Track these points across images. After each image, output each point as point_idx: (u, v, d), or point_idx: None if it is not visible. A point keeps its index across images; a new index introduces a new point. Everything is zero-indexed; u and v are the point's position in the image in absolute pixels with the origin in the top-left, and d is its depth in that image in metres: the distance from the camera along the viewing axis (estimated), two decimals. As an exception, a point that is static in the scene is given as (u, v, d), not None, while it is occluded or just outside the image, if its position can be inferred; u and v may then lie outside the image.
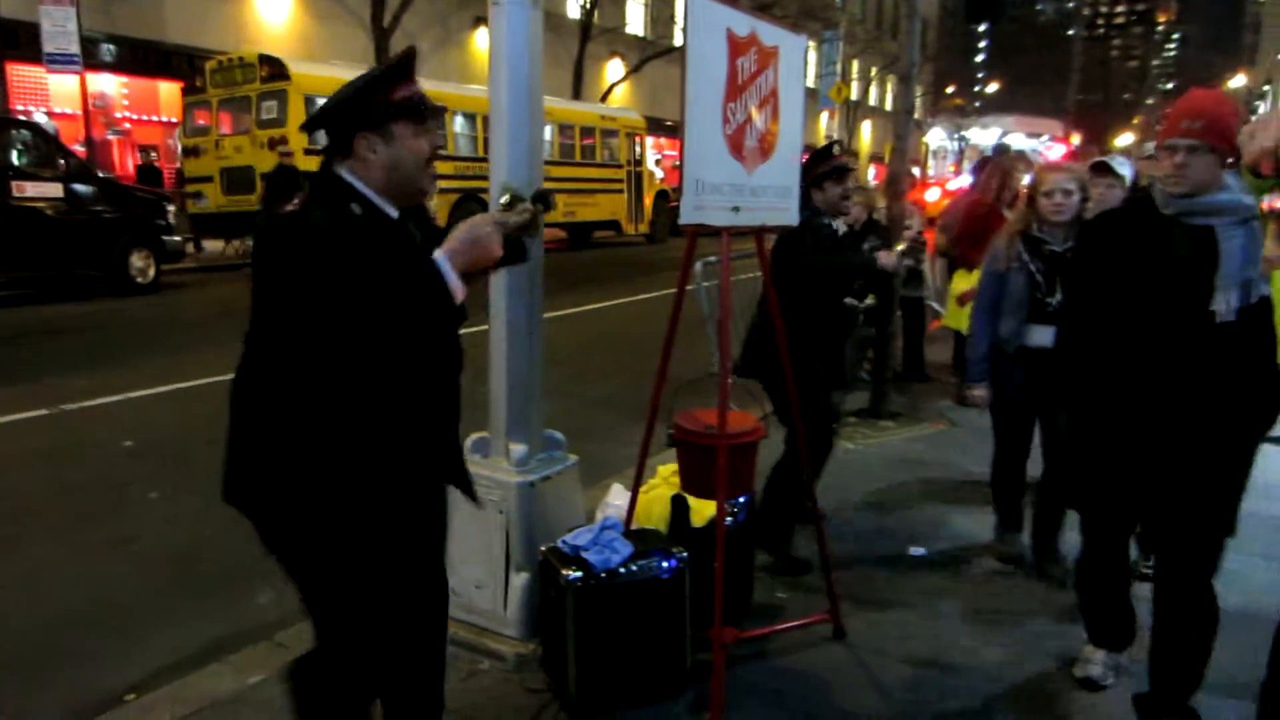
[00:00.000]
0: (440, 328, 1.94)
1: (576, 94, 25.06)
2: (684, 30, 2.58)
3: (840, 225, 4.10)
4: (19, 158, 10.73)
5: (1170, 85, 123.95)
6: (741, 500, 3.30)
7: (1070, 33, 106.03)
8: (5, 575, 3.78)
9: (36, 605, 3.55)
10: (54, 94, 16.73)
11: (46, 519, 4.37)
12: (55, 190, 10.78)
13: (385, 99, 1.87)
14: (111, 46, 17.23)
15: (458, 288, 1.84)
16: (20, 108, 16.06)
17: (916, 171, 18.45)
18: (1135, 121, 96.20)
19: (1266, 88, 40.50)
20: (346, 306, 1.72)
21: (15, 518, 4.38)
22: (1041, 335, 3.41)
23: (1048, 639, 3.22)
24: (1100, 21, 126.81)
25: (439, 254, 1.84)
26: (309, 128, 2.03)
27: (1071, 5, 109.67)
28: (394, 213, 1.93)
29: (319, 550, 1.91)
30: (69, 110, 16.34)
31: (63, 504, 4.54)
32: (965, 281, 5.87)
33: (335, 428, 1.84)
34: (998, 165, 6.17)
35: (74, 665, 3.14)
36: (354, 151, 1.88)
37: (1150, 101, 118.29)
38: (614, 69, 30.08)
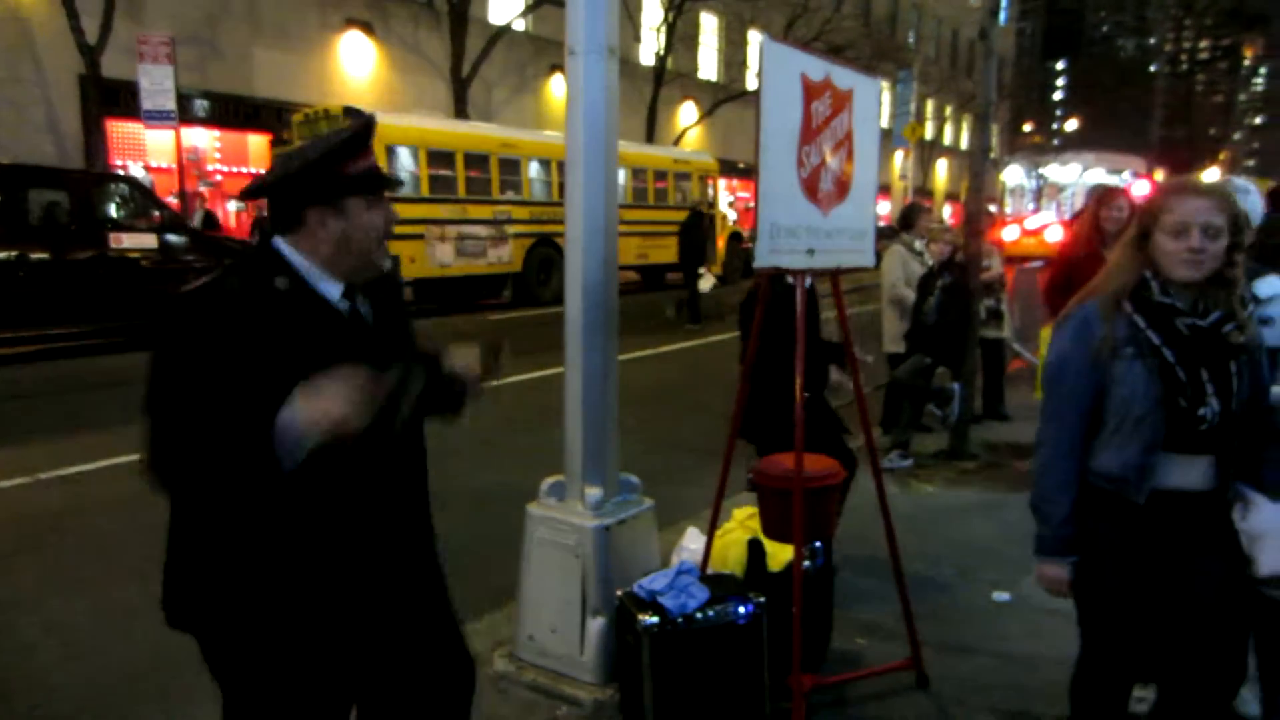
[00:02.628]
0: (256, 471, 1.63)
1: (650, 137, 25.38)
2: (758, 75, 2.60)
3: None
4: (117, 210, 11.26)
5: (1259, 120, 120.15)
6: (819, 544, 3.25)
7: (1153, 69, 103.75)
8: (83, 619, 3.86)
9: (113, 651, 3.59)
10: (150, 148, 17.59)
11: (130, 567, 4.39)
12: (150, 241, 11.25)
13: (340, 172, 1.75)
14: (205, 102, 18.10)
15: (291, 444, 1.58)
16: (119, 162, 16.96)
17: (993, 209, 18.18)
18: (1222, 157, 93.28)
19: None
20: (186, 386, 1.62)
21: (98, 564, 4.49)
22: (1188, 472, 2.11)
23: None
24: (1184, 57, 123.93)
25: (285, 412, 1.58)
26: (246, 196, 1.90)
27: (1153, 42, 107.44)
28: (334, 289, 1.79)
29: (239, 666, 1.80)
30: (164, 164, 17.17)
31: (146, 551, 4.63)
32: None
33: (238, 536, 1.71)
34: (1095, 194, 5.59)
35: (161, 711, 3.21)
36: (303, 224, 1.76)
37: (1237, 137, 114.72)
38: (686, 112, 30.44)
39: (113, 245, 10.90)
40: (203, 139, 19.00)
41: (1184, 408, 2.05)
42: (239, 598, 1.73)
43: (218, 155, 19.68)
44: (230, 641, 1.78)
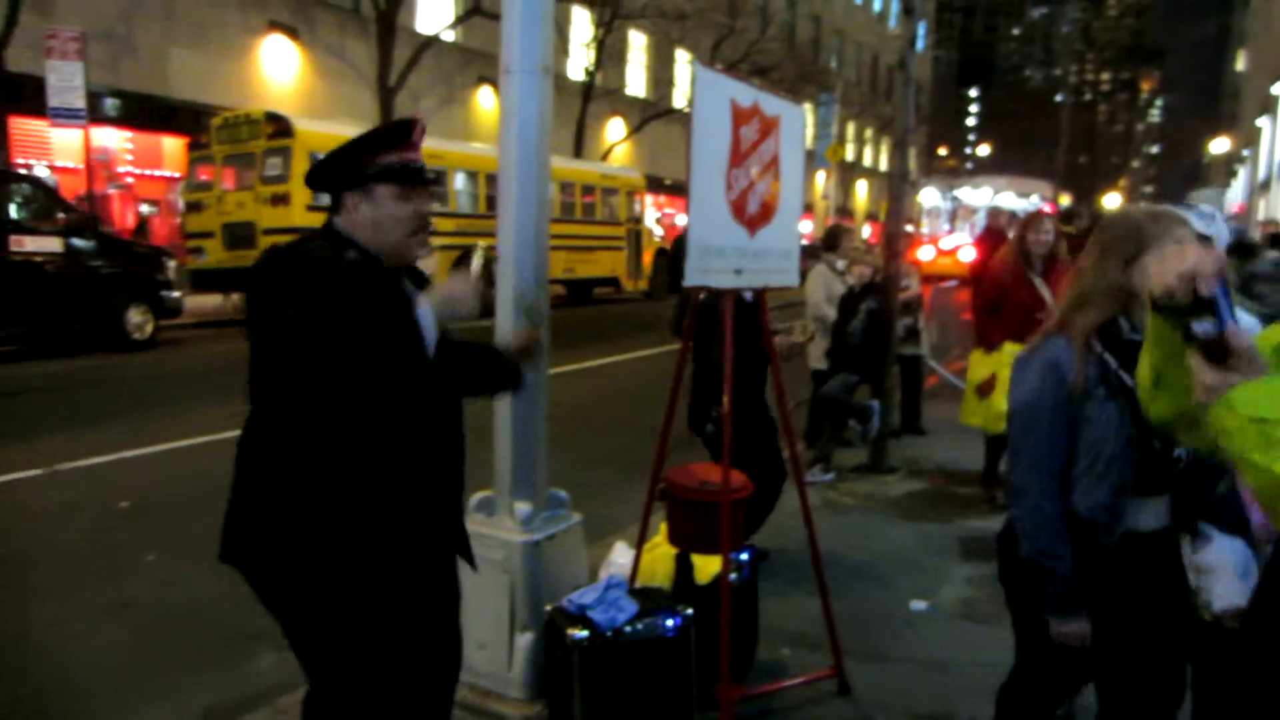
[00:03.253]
0: (417, 379, 1.88)
1: (578, 152, 25.46)
2: (690, 100, 2.67)
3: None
4: (18, 211, 10.71)
5: (1155, 149, 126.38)
6: (745, 556, 3.31)
7: (1058, 99, 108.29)
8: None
9: (29, 670, 3.51)
10: (56, 148, 16.88)
11: (41, 581, 4.32)
12: (54, 245, 10.77)
13: (370, 161, 1.90)
14: (116, 101, 17.47)
15: (431, 339, 1.83)
16: (21, 161, 16.20)
17: (911, 229, 18.69)
18: (1121, 183, 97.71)
19: (1246, 152, 41.35)
20: (333, 342, 1.71)
21: (8, 580, 4.34)
22: (1152, 512, 2.05)
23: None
24: (1087, 89, 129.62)
25: (422, 304, 1.84)
26: (310, 184, 2.04)
27: (1059, 73, 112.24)
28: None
29: (311, 611, 1.88)
30: (71, 164, 16.52)
31: (57, 566, 4.51)
32: (985, 366, 5.23)
33: (324, 481, 1.82)
34: (1023, 220, 5.46)
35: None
36: (343, 206, 1.94)
37: (1136, 164, 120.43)
38: (615, 128, 30.63)
39: (14, 248, 10.42)
40: (113, 139, 18.33)
41: (1158, 450, 1.96)
42: (335, 538, 1.83)
43: (129, 157, 19.00)
44: (317, 579, 1.86)
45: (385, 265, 1.93)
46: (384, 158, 1.89)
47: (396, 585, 1.91)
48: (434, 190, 2.01)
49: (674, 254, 18.40)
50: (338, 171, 1.93)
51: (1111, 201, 72.30)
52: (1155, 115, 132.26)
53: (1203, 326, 1.25)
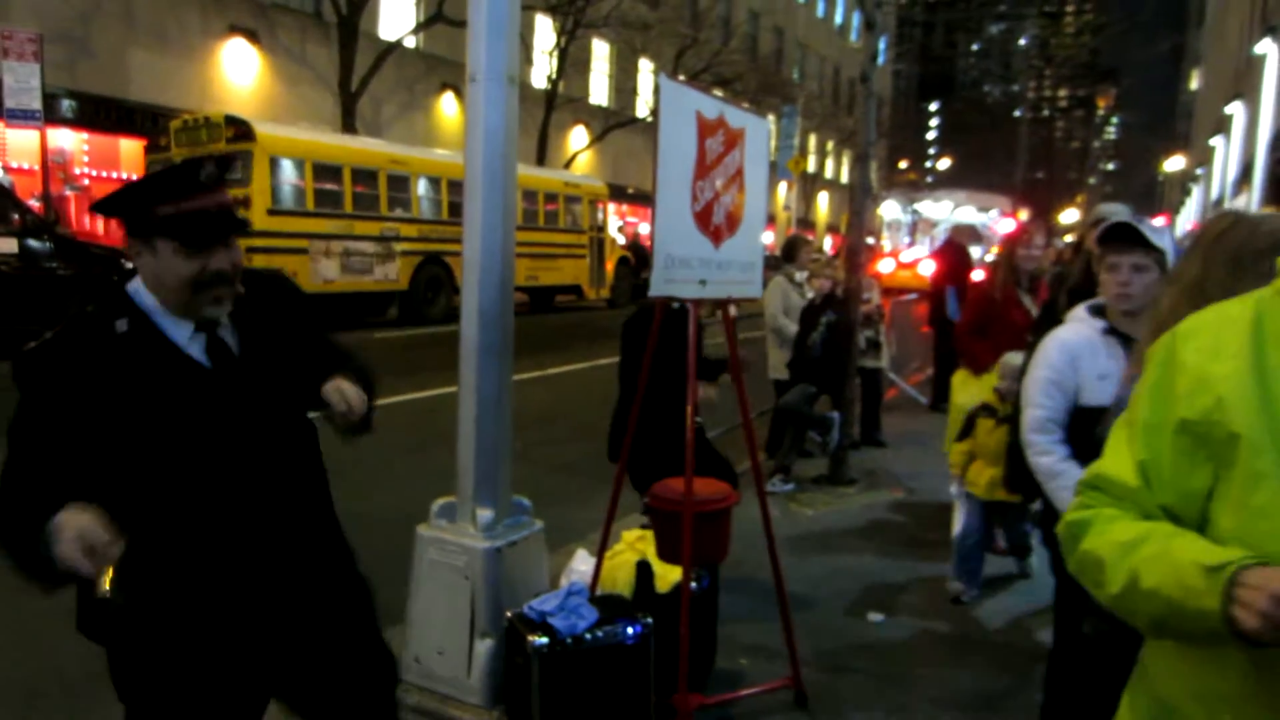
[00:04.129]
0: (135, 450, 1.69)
1: (541, 160, 25.44)
2: (655, 112, 2.70)
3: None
4: (-29, 212, 10.59)
5: (1111, 165, 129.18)
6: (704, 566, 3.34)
7: (1017, 114, 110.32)
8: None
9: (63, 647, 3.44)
10: (12, 149, 16.59)
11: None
12: (10, 246, 10.61)
13: (150, 210, 1.67)
14: (73, 103, 17.18)
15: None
16: (-24, 161, 15.92)
17: (872, 242, 18.92)
18: (1079, 199, 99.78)
19: (1199, 171, 42.45)
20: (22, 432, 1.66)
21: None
22: None
23: (1001, 700, 3.27)
24: (1045, 105, 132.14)
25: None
26: (99, 210, 1.76)
27: (1017, 89, 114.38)
28: (182, 329, 1.74)
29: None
30: (26, 165, 16.21)
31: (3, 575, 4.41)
32: (969, 389, 4.79)
33: None
34: (1012, 234, 5.17)
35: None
36: (134, 255, 1.72)
37: (1093, 180, 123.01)
38: (578, 136, 30.66)
39: None
40: (70, 141, 18.00)
41: None
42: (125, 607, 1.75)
43: (86, 159, 18.67)
44: (121, 649, 1.80)
45: (193, 318, 1.74)
46: (163, 209, 1.65)
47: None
48: (229, 243, 1.78)
49: (637, 253, 18.56)
50: (121, 217, 1.71)
51: (1069, 217, 73.71)
52: (1112, 132, 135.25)
53: None
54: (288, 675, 1.92)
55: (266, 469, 1.82)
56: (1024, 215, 45.83)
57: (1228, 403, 1.11)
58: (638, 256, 21.67)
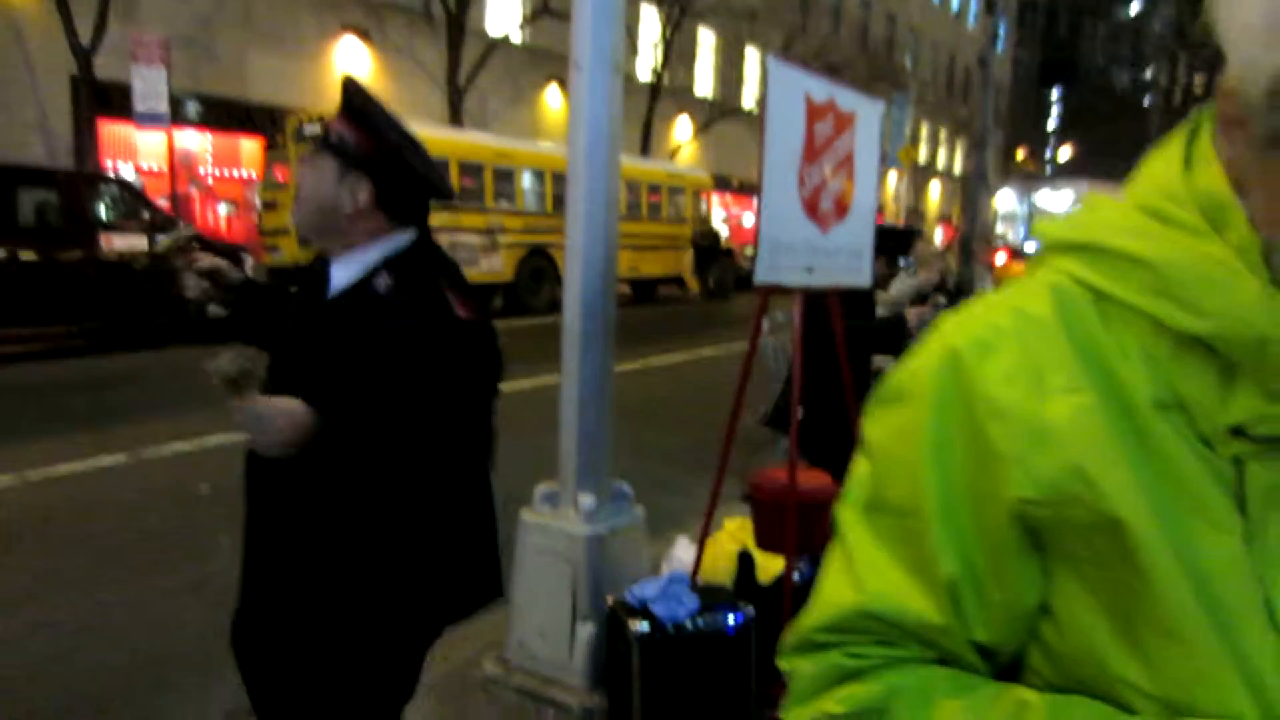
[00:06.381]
0: None
1: (645, 151, 25.52)
2: (762, 96, 2.66)
3: (913, 287, 4.10)
4: (108, 212, 11.27)
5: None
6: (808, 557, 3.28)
7: (1146, 102, 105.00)
8: (82, 616, 3.89)
9: (112, 646, 3.63)
10: (142, 150, 17.56)
11: (124, 562, 4.48)
12: (141, 243, 11.25)
13: None
14: (197, 105, 18.08)
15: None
16: (110, 163, 16.89)
17: (987, 234, 18.33)
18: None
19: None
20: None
21: (93, 561, 4.51)
22: None
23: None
24: (1177, 92, 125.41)
25: None
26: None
27: (1148, 75, 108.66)
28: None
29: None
30: (155, 166, 17.15)
31: (140, 548, 4.67)
32: None
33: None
34: None
35: (144, 707, 3.22)
36: None
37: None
38: (682, 126, 30.61)
39: (103, 246, 10.90)
40: (195, 142, 18.98)
41: None
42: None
43: (209, 158, 19.67)
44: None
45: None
46: None
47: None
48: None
49: (704, 245, 18.34)
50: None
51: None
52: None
53: None
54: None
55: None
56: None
57: (1093, 471, 0.67)
58: (705, 242, 21.24)
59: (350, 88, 1.79)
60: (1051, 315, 0.71)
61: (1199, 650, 0.64)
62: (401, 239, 1.80)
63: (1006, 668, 0.76)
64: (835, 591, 0.78)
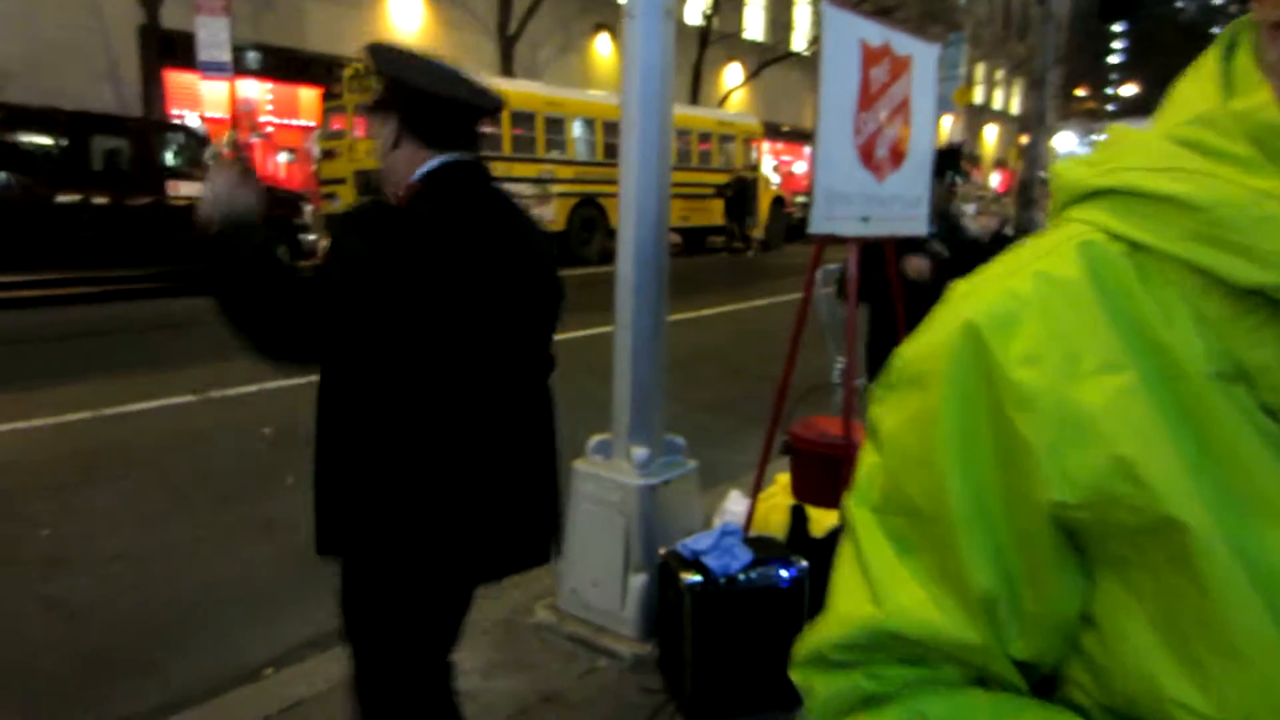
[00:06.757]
0: None
1: (694, 98, 25.13)
2: (815, 40, 2.59)
3: (973, 238, 4.01)
4: (175, 159, 11.60)
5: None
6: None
7: (1214, 31, 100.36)
8: (152, 548, 4.06)
9: (180, 579, 3.79)
10: (205, 99, 17.83)
11: (191, 499, 4.65)
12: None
13: None
14: (258, 54, 18.24)
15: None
16: (176, 111, 17.21)
17: (1044, 175, 17.77)
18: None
19: None
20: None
21: (163, 496, 4.68)
22: None
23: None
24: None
25: None
26: None
27: (1218, 2, 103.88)
28: None
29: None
30: (218, 114, 17.40)
31: (206, 486, 4.83)
32: None
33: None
34: None
35: (215, 637, 3.35)
36: None
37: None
38: (731, 73, 30.05)
39: (170, 192, 11.15)
40: (255, 91, 19.19)
41: None
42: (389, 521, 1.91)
43: (269, 107, 19.88)
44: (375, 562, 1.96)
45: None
46: None
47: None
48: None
49: (730, 195, 17.78)
50: None
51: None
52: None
53: None
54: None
55: None
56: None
57: (1142, 466, 0.56)
58: (736, 193, 20.44)
59: (372, 49, 1.85)
60: (1081, 278, 0.60)
61: (1266, 672, 0.55)
62: (433, 162, 1.81)
63: (1044, 679, 0.67)
64: (851, 603, 0.68)
